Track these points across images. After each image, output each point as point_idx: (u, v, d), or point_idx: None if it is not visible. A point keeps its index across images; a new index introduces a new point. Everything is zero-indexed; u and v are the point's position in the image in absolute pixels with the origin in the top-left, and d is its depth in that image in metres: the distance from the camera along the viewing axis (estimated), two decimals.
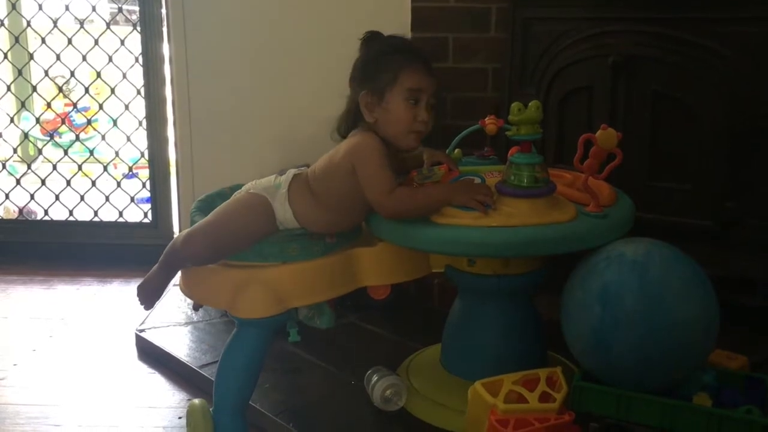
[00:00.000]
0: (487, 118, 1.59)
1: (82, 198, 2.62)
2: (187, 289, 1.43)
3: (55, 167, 2.67)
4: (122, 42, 2.57)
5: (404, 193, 1.33)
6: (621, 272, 1.22)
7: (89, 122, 2.94)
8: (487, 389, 1.28)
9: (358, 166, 1.33)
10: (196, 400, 1.37)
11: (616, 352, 1.21)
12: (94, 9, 2.57)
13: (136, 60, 2.51)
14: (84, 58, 2.60)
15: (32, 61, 2.68)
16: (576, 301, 1.28)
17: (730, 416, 1.21)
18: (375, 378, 1.48)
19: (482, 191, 1.31)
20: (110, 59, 2.57)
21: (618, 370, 1.24)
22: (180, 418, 1.55)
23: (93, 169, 2.76)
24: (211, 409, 1.35)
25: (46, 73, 2.65)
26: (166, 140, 2.51)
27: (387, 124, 1.37)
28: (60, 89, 2.98)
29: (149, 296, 1.42)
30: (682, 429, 1.23)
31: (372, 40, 1.42)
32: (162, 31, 2.43)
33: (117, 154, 2.71)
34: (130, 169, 2.76)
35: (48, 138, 3.13)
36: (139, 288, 1.42)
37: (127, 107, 2.61)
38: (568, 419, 1.24)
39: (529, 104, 1.32)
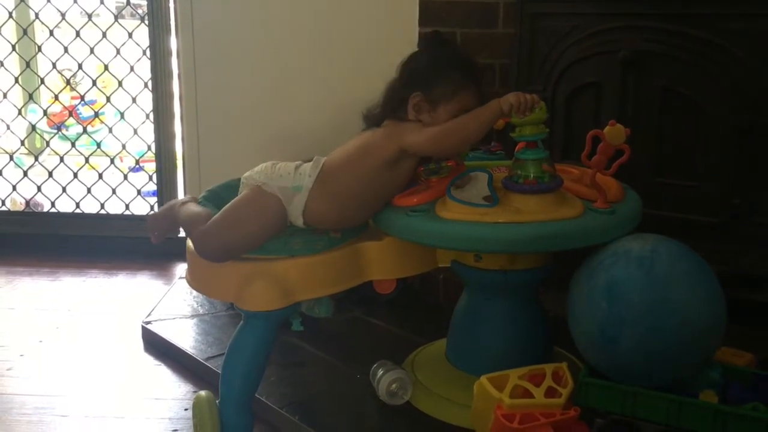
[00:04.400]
0: None
1: (89, 190, 2.63)
2: (193, 281, 1.43)
3: (62, 159, 2.68)
4: (130, 35, 2.57)
5: (455, 122, 1.33)
6: (627, 268, 1.22)
7: (96, 115, 2.94)
8: (492, 384, 1.28)
9: (407, 137, 1.33)
10: (203, 392, 1.37)
11: (622, 348, 1.21)
12: (102, 2, 2.57)
13: (144, 53, 2.51)
14: (92, 51, 2.60)
15: (40, 53, 2.69)
16: (582, 297, 1.28)
17: (736, 413, 1.21)
18: (380, 372, 1.48)
19: (526, 96, 1.31)
20: (118, 52, 2.57)
21: (624, 366, 1.24)
22: (186, 409, 1.56)
23: (99, 161, 2.77)
24: (217, 401, 1.35)
25: (54, 65, 2.65)
26: (172, 134, 2.51)
27: None
28: (67, 82, 2.99)
29: (159, 234, 1.46)
30: (688, 425, 1.23)
31: (438, 43, 1.43)
32: (170, 25, 2.43)
33: (124, 147, 2.71)
34: (137, 162, 2.76)
35: (55, 131, 3.14)
36: (152, 218, 1.47)
37: (134, 100, 2.62)
38: (573, 414, 1.24)
39: None
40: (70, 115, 3.02)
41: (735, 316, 1.32)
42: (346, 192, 1.36)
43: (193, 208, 1.40)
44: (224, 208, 1.36)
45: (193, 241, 1.36)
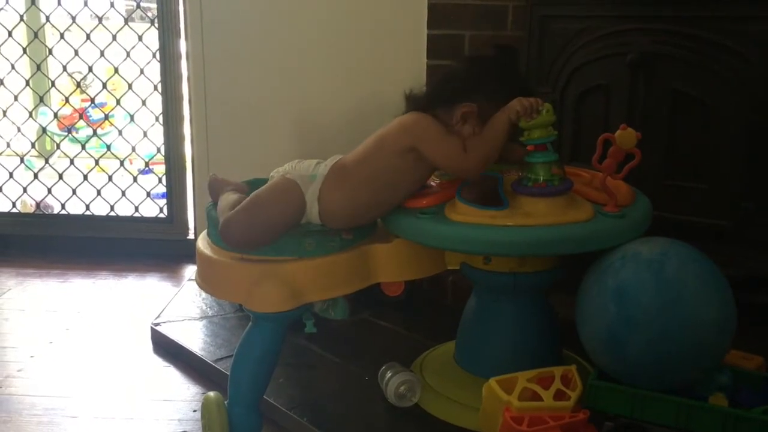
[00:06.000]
0: None
1: (98, 193, 2.64)
2: (203, 282, 1.44)
3: (72, 162, 2.69)
4: (140, 38, 2.58)
5: (473, 142, 1.32)
6: (637, 271, 1.22)
7: (106, 117, 2.96)
8: (501, 386, 1.28)
9: (423, 143, 1.32)
10: (211, 394, 1.37)
11: (631, 351, 1.21)
12: (112, 5, 2.58)
13: (154, 56, 2.53)
14: (102, 54, 2.62)
15: (50, 56, 2.70)
16: (591, 300, 1.28)
17: (746, 416, 1.20)
18: (389, 374, 1.48)
19: (529, 100, 1.30)
20: (128, 55, 2.59)
21: (633, 369, 1.24)
22: (195, 411, 1.56)
23: (109, 164, 2.78)
24: (226, 403, 1.36)
25: (65, 68, 2.67)
26: (182, 136, 2.52)
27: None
28: (78, 85, 3.01)
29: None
30: (698, 429, 1.23)
31: (510, 60, 1.42)
32: (179, 28, 2.44)
33: (134, 149, 2.72)
34: (147, 164, 2.78)
35: (65, 133, 3.16)
36: (212, 180, 1.50)
37: (144, 103, 2.63)
38: (582, 417, 1.24)
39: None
40: (81, 117, 3.03)
41: (745, 319, 1.32)
42: (357, 182, 1.36)
43: (232, 196, 1.41)
44: (249, 196, 1.37)
45: (219, 229, 1.36)
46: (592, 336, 1.28)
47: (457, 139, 1.33)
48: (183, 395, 1.65)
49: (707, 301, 1.21)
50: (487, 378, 1.30)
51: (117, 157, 2.72)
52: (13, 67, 2.67)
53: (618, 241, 1.30)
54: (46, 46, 2.76)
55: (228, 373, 1.39)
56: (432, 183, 1.46)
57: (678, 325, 1.18)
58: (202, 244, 1.43)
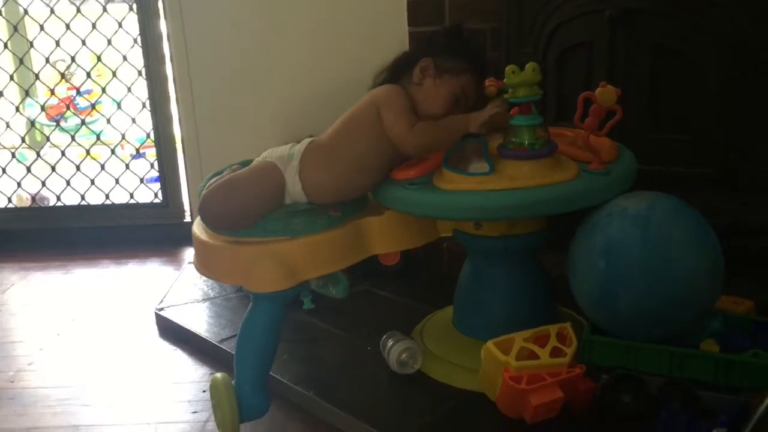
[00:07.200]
0: (486, 81, 1.59)
1: (92, 182, 2.65)
2: (201, 266, 1.46)
3: (63, 153, 2.70)
4: (120, 24, 2.57)
5: (425, 125, 1.38)
6: (623, 226, 1.25)
7: (93, 106, 2.96)
8: (499, 348, 1.31)
9: (384, 108, 1.38)
10: (218, 375, 1.40)
11: (622, 306, 1.24)
12: None
13: (135, 41, 2.52)
14: (83, 43, 2.61)
15: (32, 49, 2.69)
16: (581, 257, 1.31)
17: (736, 360, 1.24)
18: (390, 343, 1.52)
19: (493, 109, 1.35)
20: (109, 42, 2.58)
21: (625, 322, 1.27)
22: (204, 391, 1.60)
23: (101, 151, 2.79)
24: (233, 382, 1.39)
25: (47, 60, 2.66)
26: (170, 119, 2.52)
27: (425, 97, 1.42)
28: (62, 75, 2.99)
29: None
30: (691, 375, 1.27)
31: (457, 31, 1.49)
32: (158, 9, 2.43)
33: (123, 136, 2.73)
34: (137, 150, 2.78)
35: (54, 123, 3.16)
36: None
37: (129, 89, 2.62)
38: (579, 372, 1.28)
39: (526, 66, 1.33)
40: (68, 108, 3.03)
41: (735, 266, 1.35)
42: (335, 155, 1.40)
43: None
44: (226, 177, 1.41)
45: (198, 209, 1.39)
46: (584, 293, 1.31)
47: (412, 117, 1.38)
48: (192, 377, 1.69)
49: (694, 252, 1.23)
50: (485, 340, 1.33)
51: (107, 145, 2.72)
52: None
53: (604, 198, 1.32)
54: (27, 39, 2.75)
55: (233, 353, 1.42)
56: None
57: (666, 278, 1.21)
58: (198, 229, 1.46)
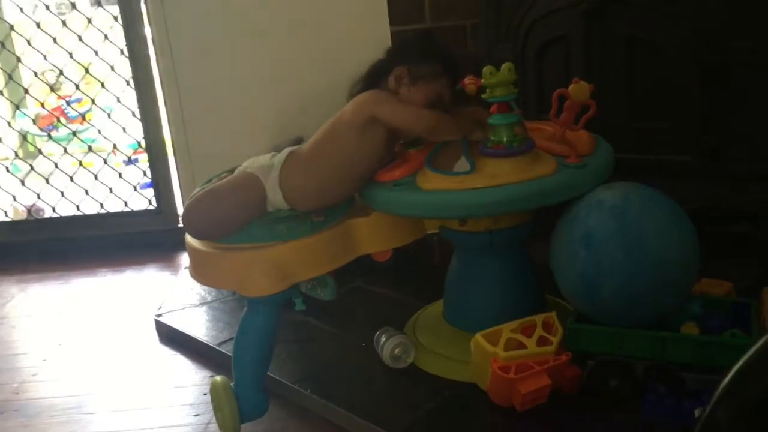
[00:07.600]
0: (466, 79, 1.62)
1: (86, 192, 2.68)
2: (196, 273, 1.50)
3: (56, 165, 2.72)
4: (106, 36, 2.60)
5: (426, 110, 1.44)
6: (601, 218, 1.29)
7: (83, 116, 2.99)
8: (487, 339, 1.35)
9: (378, 108, 1.41)
10: (218, 378, 1.44)
11: (604, 295, 1.29)
12: (74, 6, 2.59)
13: (122, 52, 2.54)
14: (71, 56, 2.63)
15: (20, 63, 2.72)
16: (562, 249, 1.35)
17: (715, 341, 1.29)
18: (383, 338, 1.56)
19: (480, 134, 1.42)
20: (96, 54, 2.61)
21: (607, 310, 1.32)
22: (205, 394, 1.64)
23: (93, 159, 2.82)
24: (232, 384, 1.43)
25: (36, 74, 2.68)
26: (159, 125, 2.55)
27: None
28: (51, 88, 3.02)
29: None
30: (674, 358, 1.31)
31: (428, 38, 1.56)
32: (143, 16, 2.44)
33: (115, 147, 2.76)
34: (129, 159, 2.81)
35: (46, 134, 3.18)
36: None
37: (118, 100, 2.65)
38: (565, 359, 1.32)
39: (502, 66, 1.37)
40: (59, 120, 3.07)
41: (714, 249, 1.39)
42: (316, 164, 1.43)
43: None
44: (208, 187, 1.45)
45: (182, 216, 1.44)
46: (567, 283, 1.36)
47: (409, 102, 1.43)
48: (192, 380, 1.73)
49: (670, 239, 1.28)
50: (475, 332, 1.37)
51: (98, 154, 2.75)
52: None
53: (582, 190, 1.36)
54: (15, 54, 2.77)
55: (231, 355, 1.46)
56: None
57: (644, 266, 1.25)
58: (190, 237, 1.49)
